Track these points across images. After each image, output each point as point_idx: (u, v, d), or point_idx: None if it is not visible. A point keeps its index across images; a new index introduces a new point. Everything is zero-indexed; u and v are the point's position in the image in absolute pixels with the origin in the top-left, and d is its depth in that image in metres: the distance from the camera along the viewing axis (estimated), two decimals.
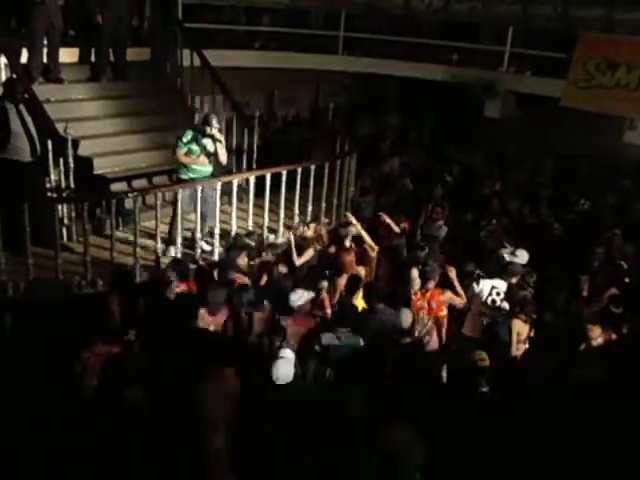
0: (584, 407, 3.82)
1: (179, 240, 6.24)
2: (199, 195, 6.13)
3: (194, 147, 6.36)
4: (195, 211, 6.26)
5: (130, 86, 8.04)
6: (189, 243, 6.42)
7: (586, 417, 3.75)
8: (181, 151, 6.38)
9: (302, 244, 6.36)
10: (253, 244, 6.31)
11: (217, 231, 6.41)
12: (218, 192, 6.30)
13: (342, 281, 5.58)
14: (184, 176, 6.46)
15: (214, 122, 6.38)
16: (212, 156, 6.49)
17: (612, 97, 9.33)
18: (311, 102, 13.30)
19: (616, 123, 10.27)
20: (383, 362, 4.31)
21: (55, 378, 3.99)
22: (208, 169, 6.53)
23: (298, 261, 6.11)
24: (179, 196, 6.09)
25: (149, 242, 6.21)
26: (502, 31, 10.34)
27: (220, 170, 6.75)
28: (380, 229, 6.98)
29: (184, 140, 6.36)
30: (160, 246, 6.10)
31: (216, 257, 6.37)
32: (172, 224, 6.31)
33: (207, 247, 6.50)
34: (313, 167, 7.03)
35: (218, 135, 6.46)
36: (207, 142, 6.41)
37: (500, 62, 10.37)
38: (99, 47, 7.74)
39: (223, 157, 6.57)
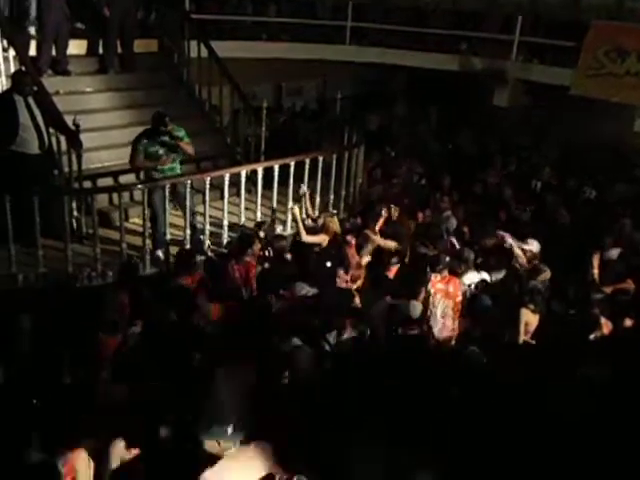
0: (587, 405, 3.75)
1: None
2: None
3: (153, 149, 6.09)
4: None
5: (138, 78, 8.05)
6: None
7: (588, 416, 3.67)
8: (140, 156, 6.09)
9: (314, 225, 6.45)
10: (263, 235, 6.31)
11: (225, 222, 6.42)
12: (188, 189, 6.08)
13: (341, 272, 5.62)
14: (156, 175, 6.19)
15: (166, 119, 6.06)
16: (175, 153, 6.22)
17: (622, 85, 9.23)
18: (318, 93, 13.26)
19: (626, 112, 10.18)
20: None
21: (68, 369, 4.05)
22: (176, 167, 6.33)
23: (307, 238, 6.14)
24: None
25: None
26: (511, 19, 10.26)
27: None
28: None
29: (139, 147, 6.08)
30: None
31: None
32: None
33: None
34: (321, 158, 7.03)
35: (176, 129, 6.15)
36: (165, 139, 6.12)
37: (509, 51, 10.28)
38: (107, 39, 7.75)
39: (189, 148, 6.25)
